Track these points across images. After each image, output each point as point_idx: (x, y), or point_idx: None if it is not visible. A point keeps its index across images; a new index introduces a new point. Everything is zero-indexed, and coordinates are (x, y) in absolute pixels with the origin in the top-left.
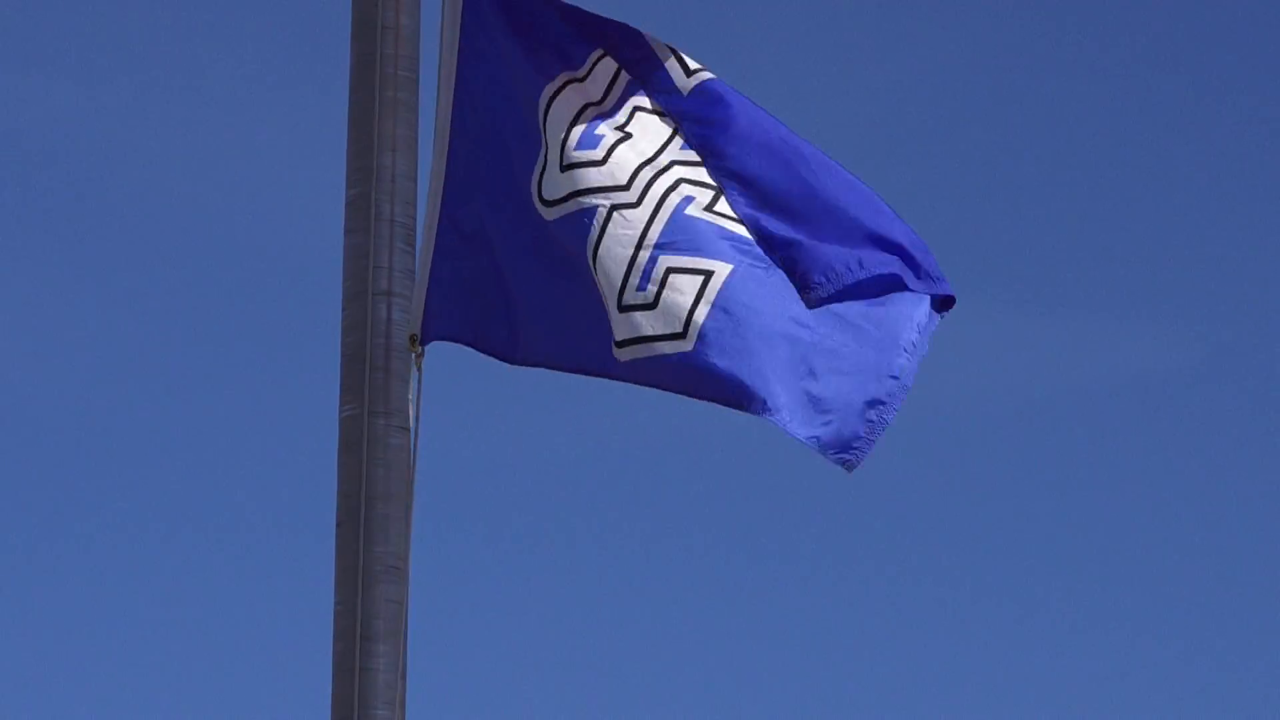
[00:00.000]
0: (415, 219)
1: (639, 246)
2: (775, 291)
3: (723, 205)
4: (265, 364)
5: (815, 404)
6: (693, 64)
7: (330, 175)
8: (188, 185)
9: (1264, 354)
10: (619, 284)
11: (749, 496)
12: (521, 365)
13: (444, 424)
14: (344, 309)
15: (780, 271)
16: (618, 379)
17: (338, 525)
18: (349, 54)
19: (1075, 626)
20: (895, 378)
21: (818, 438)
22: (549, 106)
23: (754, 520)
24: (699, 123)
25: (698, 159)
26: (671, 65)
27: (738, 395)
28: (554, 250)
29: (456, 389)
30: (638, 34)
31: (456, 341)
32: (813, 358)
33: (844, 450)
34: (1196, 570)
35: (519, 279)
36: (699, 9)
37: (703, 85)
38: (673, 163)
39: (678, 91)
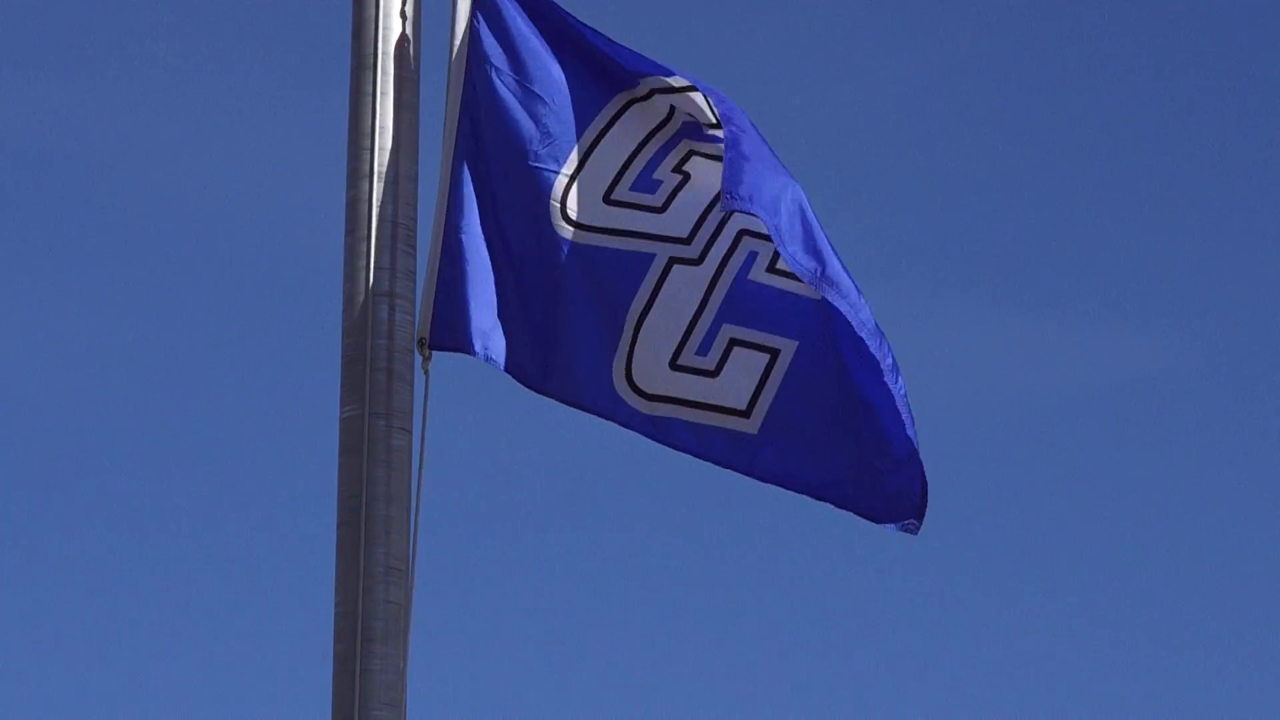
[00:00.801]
0: (416, 220)
1: (701, 309)
2: (837, 369)
3: (783, 263)
4: (266, 365)
5: (878, 479)
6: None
7: (330, 176)
8: (188, 186)
9: (1261, 357)
10: (676, 342)
11: (750, 500)
12: (527, 388)
13: (446, 425)
14: (345, 310)
15: (838, 346)
16: (624, 425)
17: (338, 526)
18: (349, 54)
19: (1074, 627)
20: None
21: (893, 521)
22: (608, 127)
23: (755, 523)
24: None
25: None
26: (702, 103)
27: (799, 484)
28: (572, 271)
29: (457, 390)
30: (670, 70)
31: (468, 354)
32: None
33: (904, 516)
34: (1195, 572)
35: (530, 293)
36: (700, 10)
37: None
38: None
39: (716, 129)
